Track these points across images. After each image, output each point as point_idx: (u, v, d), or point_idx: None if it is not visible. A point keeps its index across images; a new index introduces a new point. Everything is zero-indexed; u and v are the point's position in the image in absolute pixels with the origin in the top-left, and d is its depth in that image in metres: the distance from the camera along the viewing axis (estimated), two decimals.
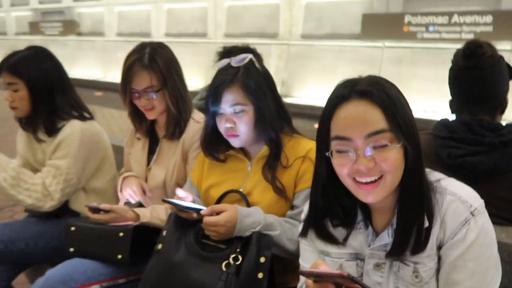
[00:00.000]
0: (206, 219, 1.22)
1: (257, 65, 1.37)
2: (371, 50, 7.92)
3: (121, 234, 1.48)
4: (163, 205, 1.63)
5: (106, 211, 1.52)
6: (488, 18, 6.76)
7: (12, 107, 1.78)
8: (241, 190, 1.38)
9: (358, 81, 0.93)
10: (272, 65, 8.32)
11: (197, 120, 1.68)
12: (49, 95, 1.76)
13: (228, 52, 2.52)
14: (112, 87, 8.71)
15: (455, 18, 7.02)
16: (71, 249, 1.55)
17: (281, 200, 1.34)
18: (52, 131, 1.77)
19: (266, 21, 8.93)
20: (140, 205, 1.70)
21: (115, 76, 10.01)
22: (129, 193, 1.66)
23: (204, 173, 1.50)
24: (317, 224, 1.04)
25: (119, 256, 1.47)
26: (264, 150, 1.37)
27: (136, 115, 1.73)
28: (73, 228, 1.57)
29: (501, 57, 1.41)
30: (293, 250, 1.26)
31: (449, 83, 1.49)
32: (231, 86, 1.31)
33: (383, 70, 7.82)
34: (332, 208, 1.00)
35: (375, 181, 0.89)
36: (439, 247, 0.92)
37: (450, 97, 1.51)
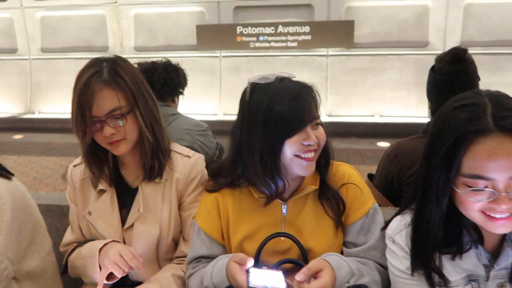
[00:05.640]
0: (310, 286, 0.95)
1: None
2: (210, 60, 8.02)
3: None
4: (166, 272, 1.24)
5: None
6: (307, 28, 7.67)
7: None
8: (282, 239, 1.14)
9: (486, 106, 0.82)
10: None
11: (185, 154, 1.33)
12: None
13: (151, 67, 2.15)
14: None
15: (280, 29, 7.72)
16: None
17: (336, 240, 1.16)
18: None
19: (92, 34, 8.06)
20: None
21: None
22: (114, 260, 1.15)
23: (230, 224, 1.18)
24: (429, 257, 0.95)
25: None
26: (311, 187, 1.14)
27: (93, 157, 1.26)
28: None
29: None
30: None
31: (432, 89, 1.56)
32: (310, 95, 1.08)
33: (223, 79, 8.04)
34: (443, 236, 0.93)
35: (508, 216, 0.84)
36: None
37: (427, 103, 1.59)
